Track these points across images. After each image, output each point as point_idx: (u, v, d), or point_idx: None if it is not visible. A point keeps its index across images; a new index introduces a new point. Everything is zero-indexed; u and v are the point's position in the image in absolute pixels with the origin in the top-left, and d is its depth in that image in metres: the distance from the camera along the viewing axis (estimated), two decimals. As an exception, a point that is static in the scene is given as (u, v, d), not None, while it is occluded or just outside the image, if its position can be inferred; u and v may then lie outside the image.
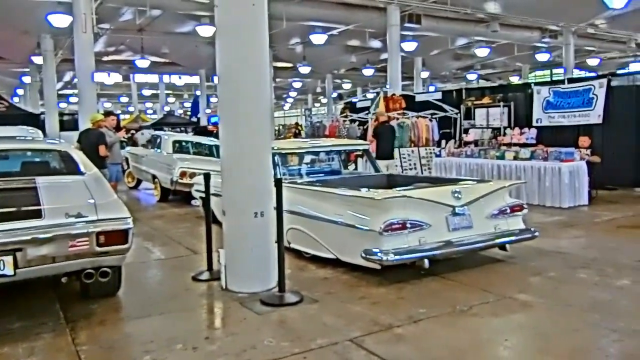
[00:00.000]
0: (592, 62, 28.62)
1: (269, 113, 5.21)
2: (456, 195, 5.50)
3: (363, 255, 5.12)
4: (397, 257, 5.00)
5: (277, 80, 32.03)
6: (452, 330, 4.09)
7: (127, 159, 13.72)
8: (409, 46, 20.76)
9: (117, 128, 10.80)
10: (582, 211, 9.14)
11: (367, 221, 5.17)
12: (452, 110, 13.67)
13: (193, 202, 10.22)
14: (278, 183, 4.79)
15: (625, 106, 10.99)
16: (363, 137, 13.63)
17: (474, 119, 13.36)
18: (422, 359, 3.62)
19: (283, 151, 7.24)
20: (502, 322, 4.29)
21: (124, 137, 13.25)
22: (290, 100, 51.04)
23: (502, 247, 5.78)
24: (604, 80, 11.43)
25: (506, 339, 3.96)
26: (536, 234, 6.00)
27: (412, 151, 12.76)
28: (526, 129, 12.08)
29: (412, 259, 5.13)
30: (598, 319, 4.26)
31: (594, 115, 11.33)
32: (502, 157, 10.37)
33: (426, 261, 5.12)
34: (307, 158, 8.19)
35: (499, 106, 12.83)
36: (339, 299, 4.83)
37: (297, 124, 20.18)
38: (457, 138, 13.31)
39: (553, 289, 5.07)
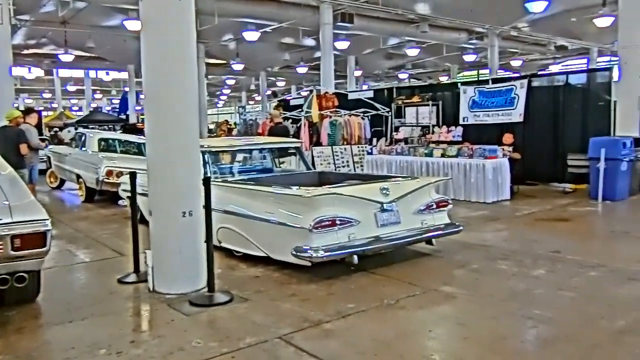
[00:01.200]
0: (516, 63, 30.08)
1: (196, 110, 5.12)
2: (384, 192, 5.62)
3: (293, 252, 5.14)
4: (327, 253, 5.05)
5: (210, 77, 31.56)
6: (379, 323, 4.19)
7: (49, 158, 13.08)
8: (342, 45, 21.01)
9: (38, 125, 10.27)
10: (504, 205, 9.59)
11: (298, 219, 5.19)
12: (384, 109, 13.95)
13: (120, 202, 9.90)
14: (206, 181, 4.73)
15: (544, 106, 11.60)
16: (296, 135, 13.67)
17: (404, 117, 13.71)
18: (349, 352, 3.69)
19: (213, 149, 7.13)
20: (427, 314, 4.43)
21: (46, 136, 12.65)
22: (224, 97, 50.40)
23: (428, 241, 5.98)
24: (525, 81, 12.01)
25: (430, 330, 4.10)
26: (460, 228, 6.24)
27: (345, 149, 12.93)
28: (453, 127, 12.51)
29: (341, 255, 5.20)
30: (516, 307, 4.48)
31: (516, 114, 11.88)
32: (430, 155, 10.71)
33: (355, 257, 5.21)
34: (239, 156, 8.12)
35: (428, 105, 13.22)
36: (270, 297, 4.83)
37: (226, 121, 19.87)
38: (388, 136, 13.60)
39: (475, 280, 5.30)
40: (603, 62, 28.37)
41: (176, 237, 4.88)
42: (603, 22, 18.32)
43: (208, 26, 18.25)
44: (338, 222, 5.19)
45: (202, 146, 6.46)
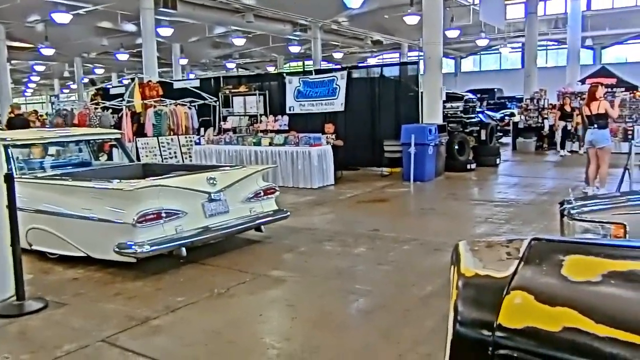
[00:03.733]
0: (338, 55, 31.79)
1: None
2: (211, 182, 5.57)
3: (116, 249, 4.86)
4: (153, 247, 4.86)
5: (14, 62, 28.16)
6: (209, 313, 4.16)
7: None
8: (165, 32, 20.24)
9: None
10: (329, 190, 10.10)
11: (119, 214, 4.91)
12: (211, 98, 13.76)
13: None
14: (8, 178, 4.23)
15: (363, 96, 12.43)
16: (117, 125, 12.86)
17: (232, 106, 13.68)
18: (178, 346, 3.61)
19: (18, 142, 6.39)
20: (257, 299, 4.51)
21: None
22: (32, 85, 45.34)
23: (257, 228, 6.07)
24: (345, 73, 12.75)
25: (261, 314, 4.18)
26: (288, 213, 6.43)
27: (172, 139, 12.51)
28: (280, 116, 12.81)
29: (168, 248, 5.04)
30: (340, 284, 4.78)
31: (338, 104, 12.57)
32: (258, 144, 10.85)
33: (183, 249, 5.10)
34: (51, 149, 7.40)
35: (255, 94, 13.36)
36: (90, 298, 4.51)
37: (35, 111, 18.00)
38: (217, 126, 13.47)
39: (303, 262, 5.53)
40: (413, 56, 31.27)
41: (-27, 243, 4.29)
42: (411, 20, 20.16)
43: (8, 4, 16.25)
44: (164, 214, 5.01)
45: (3, 139, 5.83)
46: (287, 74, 14.14)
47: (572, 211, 3.71)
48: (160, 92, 13.61)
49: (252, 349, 3.57)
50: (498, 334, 1.14)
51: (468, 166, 12.22)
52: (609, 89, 16.99)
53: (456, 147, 12.27)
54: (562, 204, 4.10)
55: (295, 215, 7.37)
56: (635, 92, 17.38)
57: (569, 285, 1.21)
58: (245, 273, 5.06)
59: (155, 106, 12.80)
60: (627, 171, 7.88)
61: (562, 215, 3.85)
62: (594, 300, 1.14)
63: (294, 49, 27.45)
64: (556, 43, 31.00)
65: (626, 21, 26.94)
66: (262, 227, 6.09)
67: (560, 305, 1.13)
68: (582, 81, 19.07)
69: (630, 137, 14.28)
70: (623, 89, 17.39)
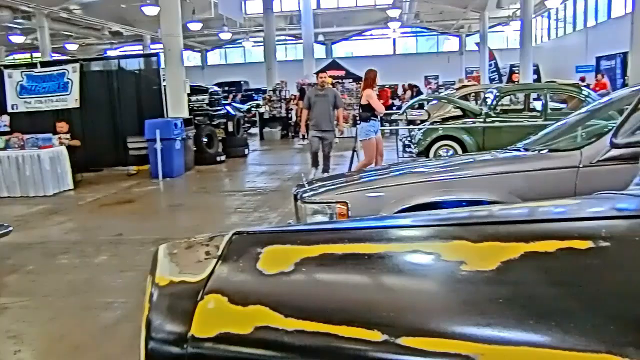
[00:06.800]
0: (72, 47, 29.06)
1: None
2: None
3: None
4: None
5: None
6: None
7: None
8: None
9: None
10: (67, 196, 9.05)
11: None
12: None
13: None
14: None
15: (101, 90, 11.49)
16: None
17: None
18: None
19: None
20: (-32, 337, 3.75)
21: None
22: None
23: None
24: (77, 65, 11.63)
25: (-29, 356, 3.48)
26: (10, 229, 5.50)
27: None
28: (-1, 116, 11.07)
29: None
30: (77, 301, 4.28)
31: (71, 99, 11.40)
32: (-28, 149, 9.17)
33: None
34: None
35: (-35, 91, 11.29)
36: None
37: None
38: None
39: (31, 283, 4.79)
40: (157, 48, 30.24)
41: None
42: (150, 11, 19.45)
43: None
44: None
45: None
46: (6, 67, 12.28)
47: (303, 194, 3.90)
48: None
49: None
50: (192, 346, 1.02)
51: (218, 158, 12.29)
52: (339, 80, 19.03)
53: (204, 140, 12.23)
54: (299, 187, 4.29)
55: (24, 229, 6.48)
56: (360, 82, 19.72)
57: (262, 279, 1.16)
58: (-49, 308, 4.18)
59: None
60: (355, 153, 8.79)
61: (295, 199, 4.02)
62: (284, 293, 1.10)
63: (17, 39, 24.12)
64: (293, 38, 33.30)
65: (350, 20, 30.40)
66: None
67: (253, 304, 1.05)
68: (317, 73, 20.82)
69: (358, 122, 16.07)
70: (351, 80, 19.58)
